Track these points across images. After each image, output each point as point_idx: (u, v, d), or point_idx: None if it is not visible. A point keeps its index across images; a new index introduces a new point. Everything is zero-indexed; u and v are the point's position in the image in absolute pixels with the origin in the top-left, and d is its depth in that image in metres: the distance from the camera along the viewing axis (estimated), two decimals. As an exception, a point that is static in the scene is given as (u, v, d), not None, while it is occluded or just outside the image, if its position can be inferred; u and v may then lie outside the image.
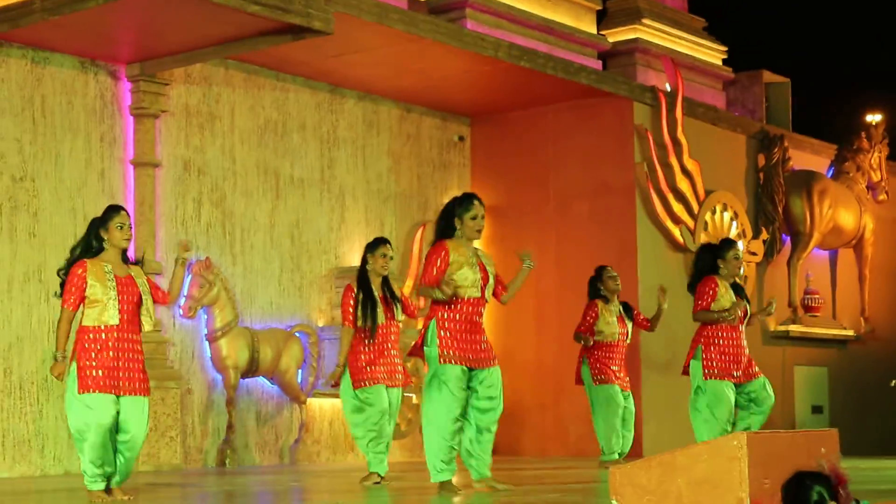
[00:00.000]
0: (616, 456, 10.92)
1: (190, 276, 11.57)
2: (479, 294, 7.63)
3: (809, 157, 17.03)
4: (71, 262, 7.50)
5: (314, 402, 12.70)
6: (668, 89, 14.53)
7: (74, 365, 7.35)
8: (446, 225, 7.71)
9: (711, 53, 16.16)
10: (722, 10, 18.37)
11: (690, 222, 14.36)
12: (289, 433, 12.51)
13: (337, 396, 12.12)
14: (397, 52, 12.28)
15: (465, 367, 7.58)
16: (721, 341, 9.19)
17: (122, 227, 7.48)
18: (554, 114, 14.33)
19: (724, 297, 9.21)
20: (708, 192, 14.66)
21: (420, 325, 8.00)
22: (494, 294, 7.85)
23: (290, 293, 12.68)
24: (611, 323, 10.96)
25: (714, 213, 14.82)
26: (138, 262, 7.77)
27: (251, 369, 11.92)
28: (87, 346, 7.34)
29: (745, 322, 9.35)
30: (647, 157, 13.95)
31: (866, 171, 17.55)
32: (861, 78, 21.57)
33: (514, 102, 14.25)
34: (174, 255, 11.54)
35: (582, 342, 10.98)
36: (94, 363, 7.31)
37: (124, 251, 7.59)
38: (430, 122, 14.36)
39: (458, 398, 7.55)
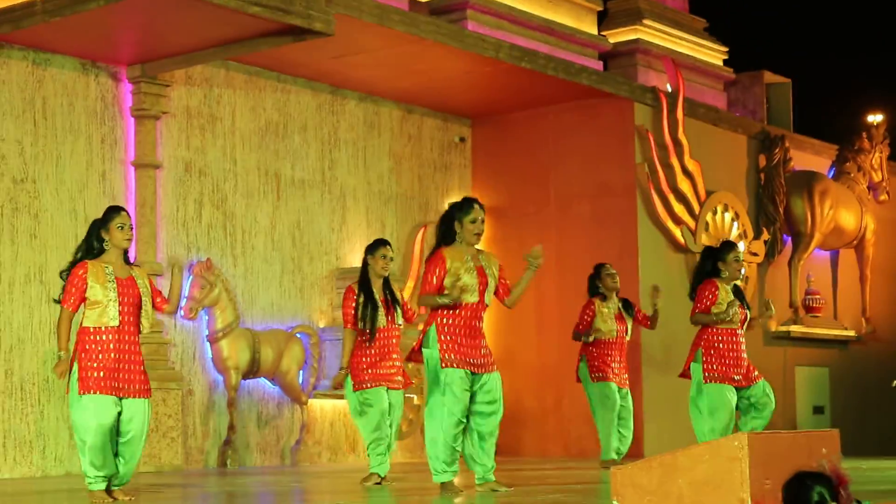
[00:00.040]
0: (614, 455, 10.93)
1: (191, 277, 11.58)
2: (477, 299, 7.64)
3: (810, 157, 17.03)
4: (73, 264, 7.51)
5: (315, 403, 12.70)
6: (669, 90, 14.54)
7: (76, 366, 7.36)
8: (446, 230, 7.74)
9: (712, 54, 16.16)
10: (723, 11, 18.39)
11: (691, 223, 14.36)
12: (290, 434, 12.52)
13: (337, 398, 12.19)
14: (398, 54, 12.29)
15: (467, 371, 7.61)
16: (721, 345, 9.18)
17: (122, 228, 7.49)
18: (555, 114, 14.34)
19: (725, 300, 9.20)
20: (709, 193, 14.66)
21: (420, 327, 8.00)
22: (497, 297, 7.86)
23: (291, 294, 12.68)
24: (608, 320, 11.00)
25: (715, 213, 14.82)
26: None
27: (252, 370, 11.92)
28: (87, 347, 7.34)
29: (745, 326, 9.34)
30: (648, 157, 13.95)
31: (867, 171, 17.55)
32: (862, 78, 21.57)
33: (515, 103, 14.25)
34: (174, 256, 11.65)
35: (582, 339, 11.02)
36: (94, 364, 7.32)
37: (126, 252, 7.60)
38: (431, 123, 14.36)
39: (461, 400, 7.56)
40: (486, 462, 7.73)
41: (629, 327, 11.20)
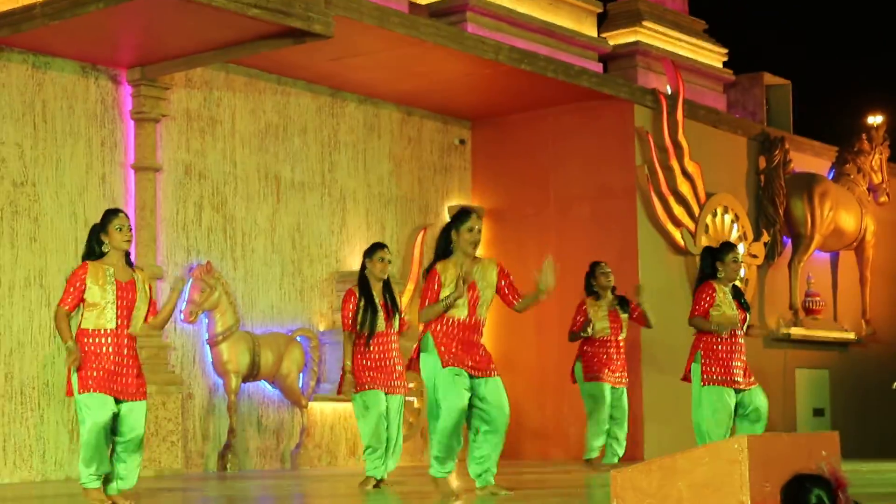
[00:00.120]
0: (595, 454, 11.12)
1: (191, 280, 11.57)
2: (466, 314, 7.71)
3: (810, 159, 17.02)
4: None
5: (315, 407, 12.69)
6: (669, 92, 14.54)
7: (75, 367, 7.36)
8: (444, 243, 7.85)
9: (712, 56, 16.16)
10: (722, 13, 18.39)
11: (691, 225, 14.35)
12: (290, 438, 12.51)
13: (337, 401, 12.19)
14: (398, 56, 12.29)
15: (466, 373, 7.67)
16: (720, 347, 9.18)
17: (121, 229, 7.50)
18: (555, 117, 14.33)
19: (724, 302, 9.20)
20: (709, 195, 14.66)
21: (420, 329, 8.04)
22: (506, 303, 7.94)
23: (291, 297, 12.68)
24: (601, 318, 11.10)
25: (715, 215, 14.81)
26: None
27: (252, 374, 11.92)
28: (86, 349, 7.36)
29: (745, 327, 9.34)
30: (647, 159, 13.94)
31: (867, 172, 17.54)
32: (862, 79, 21.57)
33: (515, 105, 14.26)
34: (175, 260, 11.66)
35: (581, 334, 11.13)
36: (93, 364, 7.33)
37: (128, 254, 7.61)
38: (431, 126, 14.36)
39: (461, 397, 7.62)
40: (489, 465, 7.78)
41: (624, 325, 11.26)
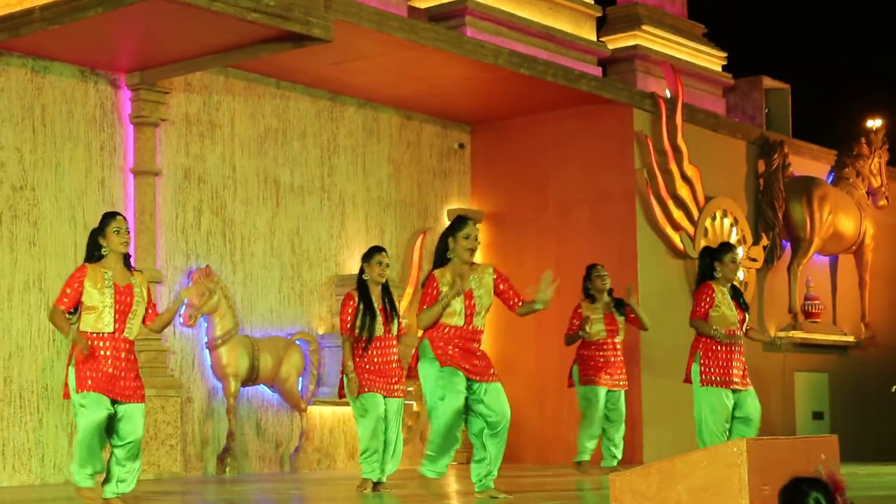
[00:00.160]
0: (587, 456, 11.16)
1: (190, 284, 11.57)
2: (463, 322, 7.72)
3: (809, 162, 17.02)
4: None
5: (314, 410, 12.69)
6: (668, 96, 14.54)
7: (72, 369, 7.37)
8: (442, 251, 7.91)
9: (711, 59, 16.17)
10: (721, 17, 18.40)
11: (690, 228, 14.35)
12: (289, 441, 12.51)
13: (337, 404, 12.18)
14: (397, 60, 12.29)
15: (463, 374, 7.70)
16: (719, 347, 9.20)
17: (118, 232, 7.50)
18: (554, 121, 14.34)
19: (723, 303, 9.21)
20: (708, 199, 14.66)
21: (419, 333, 8.06)
22: (508, 307, 7.96)
23: (291, 301, 12.68)
24: (597, 321, 11.12)
25: (714, 219, 14.81)
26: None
27: (251, 377, 11.91)
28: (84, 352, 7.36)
29: (744, 327, 9.34)
30: (647, 163, 13.94)
31: (866, 176, 17.54)
32: (861, 83, 21.57)
33: (515, 109, 14.26)
34: (175, 264, 11.66)
35: (579, 335, 11.15)
36: (91, 366, 7.34)
37: (127, 257, 7.61)
38: (431, 130, 14.37)
39: (460, 396, 7.64)
40: (491, 469, 7.80)
41: (621, 328, 11.28)
